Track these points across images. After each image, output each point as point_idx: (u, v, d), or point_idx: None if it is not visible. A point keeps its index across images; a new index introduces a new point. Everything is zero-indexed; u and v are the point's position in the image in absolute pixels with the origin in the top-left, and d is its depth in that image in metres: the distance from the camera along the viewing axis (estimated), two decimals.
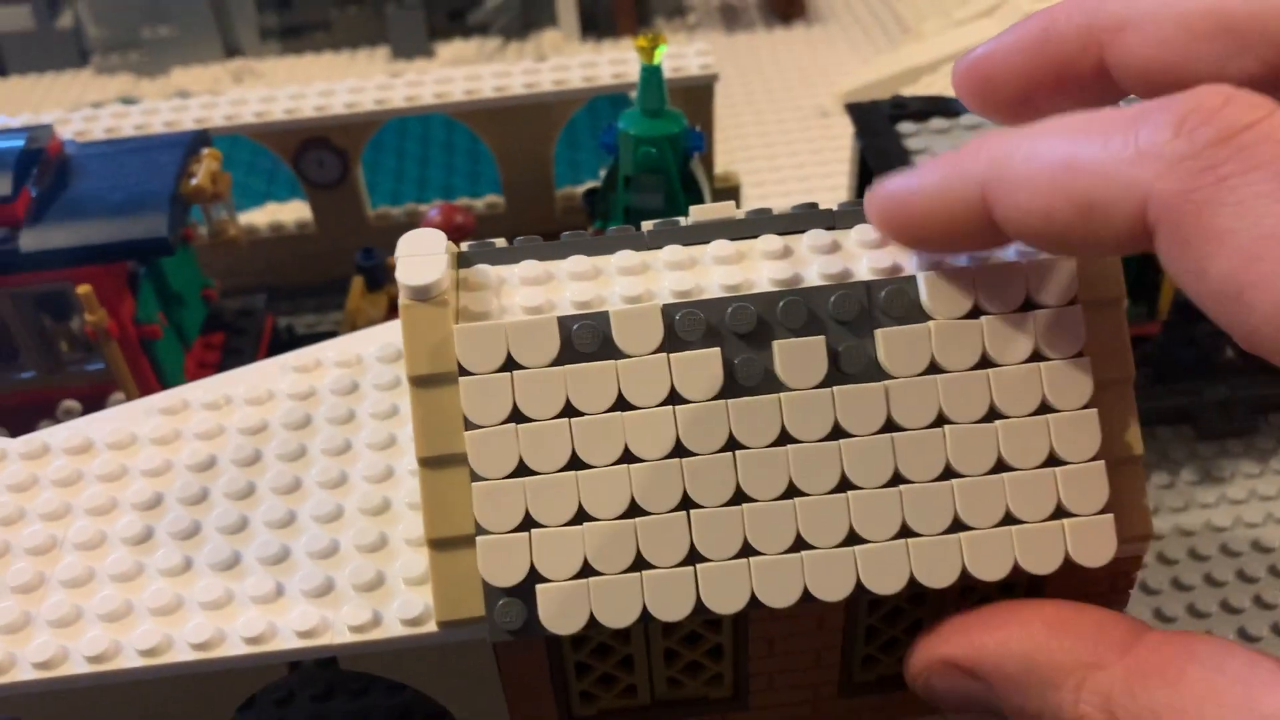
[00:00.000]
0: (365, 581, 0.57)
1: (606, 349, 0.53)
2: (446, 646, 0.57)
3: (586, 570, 0.52)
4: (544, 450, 0.53)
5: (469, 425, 0.53)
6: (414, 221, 1.15)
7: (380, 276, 1.00)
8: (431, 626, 0.55)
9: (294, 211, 1.18)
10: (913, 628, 0.60)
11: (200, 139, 0.88)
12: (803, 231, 0.58)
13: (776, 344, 0.53)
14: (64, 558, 0.60)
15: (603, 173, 0.88)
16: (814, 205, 0.60)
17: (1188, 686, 0.42)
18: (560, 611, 0.52)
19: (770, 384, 0.53)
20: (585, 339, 0.53)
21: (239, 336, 0.98)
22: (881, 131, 0.92)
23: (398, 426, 0.67)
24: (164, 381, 0.87)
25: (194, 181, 0.83)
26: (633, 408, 0.53)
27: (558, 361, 0.53)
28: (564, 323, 0.53)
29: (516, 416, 0.53)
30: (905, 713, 0.64)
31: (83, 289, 0.79)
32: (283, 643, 0.55)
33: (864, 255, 0.56)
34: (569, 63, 1.05)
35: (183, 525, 0.61)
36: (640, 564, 0.52)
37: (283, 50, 1.69)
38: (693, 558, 0.52)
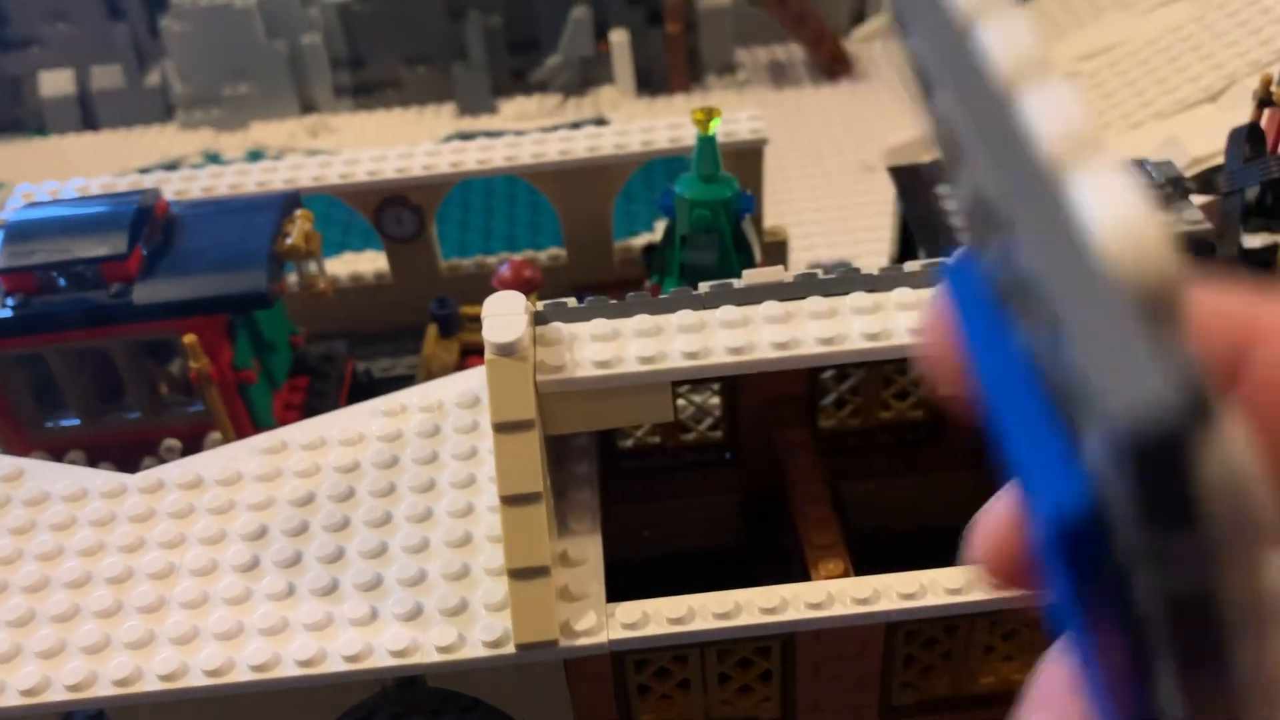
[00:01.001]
0: (451, 607, 0.64)
1: None
2: (523, 666, 0.63)
3: None
4: None
5: None
6: (482, 272, 1.22)
7: (453, 324, 1.08)
8: (510, 648, 0.61)
9: (369, 262, 1.26)
10: (946, 655, 0.65)
11: (293, 200, 0.96)
12: (846, 294, 0.65)
13: None
14: (181, 582, 0.67)
15: (659, 225, 0.95)
16: (856, 269, 0.66)
17: None
18: None
19: None
20: None
21: (322, 380, 1.06)
22: (921, 195, 0.98)
23: (476, 466, 0.73)
24: (256, 422, 0.95)
25: (289, 241, 0.91)
26: None
27: None
28: None
29: None
30: None
31: (189, 338, 0.87)
32: (378, 661, 0.62)
33: (901, 316, 0.62)
34: (629, 127, 1.12)
35: (286, 554, 0.68)
36: None
37: (355, 107, 1.78)
38: None
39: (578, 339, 0.64)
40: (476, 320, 1.12)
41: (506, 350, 0.62)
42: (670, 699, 0.67)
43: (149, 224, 0.91)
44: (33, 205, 0.92)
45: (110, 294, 0.87)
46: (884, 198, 1.47)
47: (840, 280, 0.66)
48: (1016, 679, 0.67)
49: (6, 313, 0.87)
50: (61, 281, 0.88)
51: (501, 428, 0.61)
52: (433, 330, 1.08)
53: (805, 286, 0.65)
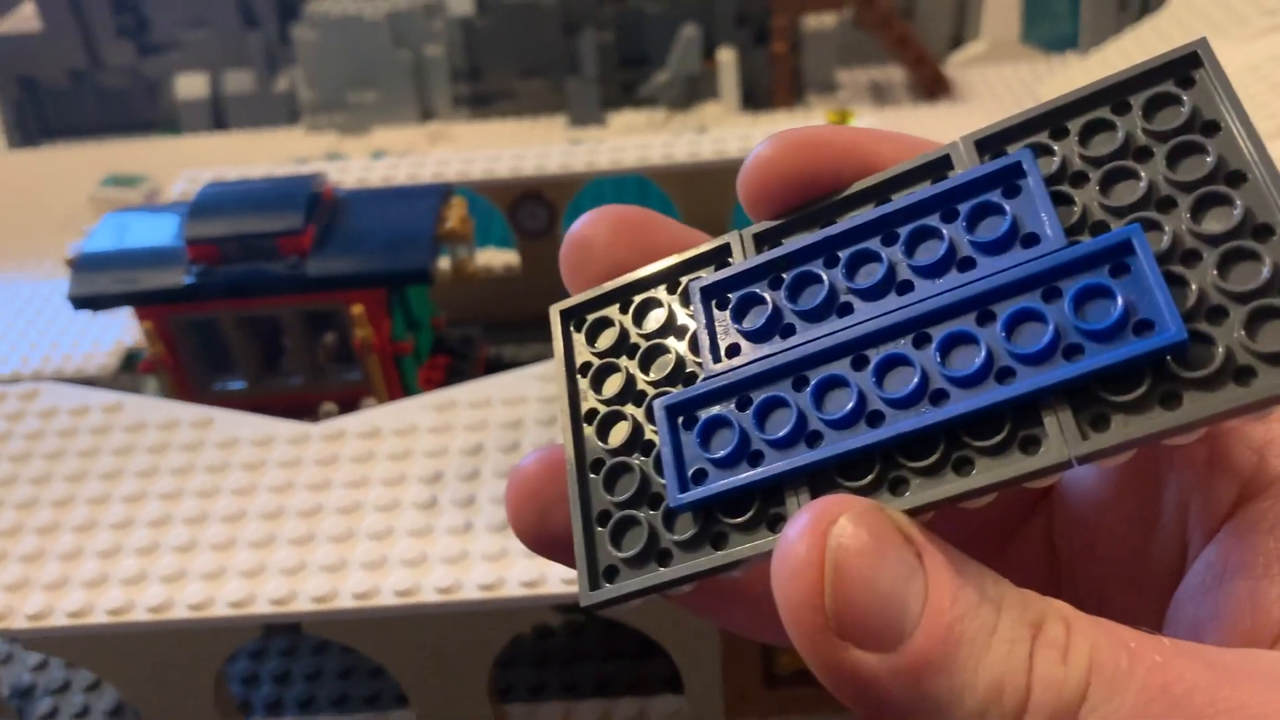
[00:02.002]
0: None
1: None
2: None
3: None
4: None
5: None
6: None
7: None
8: None
9: (498, 257, 1.34)
10: None
11: (448, 190, 1.04)
12: None
13: None
14: (367, 517, 0.74)
15: None
16: None
17: None
18: None
19: None
20: None
21: (460, 360, 1.13)
22: None
23: None
24: (406, 391, 1.02)
25: (448, 225, 0.99)
26: None
27: None
28: None
29: None
30: None
31: (356, 309, 0.95)
32: (551, 588, 0.68)
33: None
34: (753, 132, 1.19)
35: (461, 495, 0.74)
36: None
37: (471, 116, 1.87)
38: None
39: None
40: None
41: None
42: None
43: (319, 205, 0.99)
44: (214, 184, 1.00)
45: (286, 266, 0.95)
46: None
47: None
48: None
49: (191, 279, 0.95)
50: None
51: None
52: None
53: None
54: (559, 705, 0.79)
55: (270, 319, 0.99)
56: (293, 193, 0.97)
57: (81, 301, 0.97)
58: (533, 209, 1.20)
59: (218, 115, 1.94)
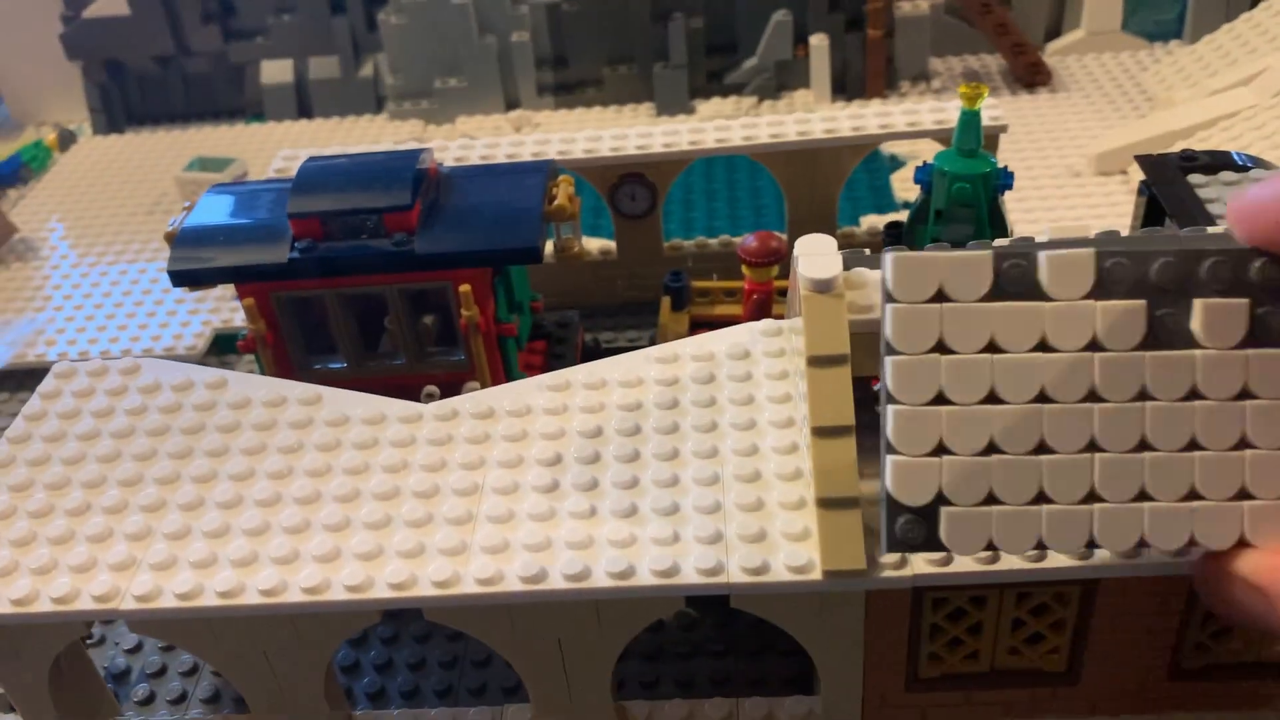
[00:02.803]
0: (751, 534, 0.65)
1: (1033, 291, 0.55)
2: (824, 596, 0.65)
3: (990, 499, 0.55)
4: (964, 382, 0.55)
5: (891, 351, 0.55)
6: (703, 252, 1.25)
7: (684, 298, 1.11)
8: (816, 575, 0.63)
9: (595, 243, 1.30)
10: None
11: (555, 167, 1.01)
12: None
13: (1198, 303, 0.54)
14: (486, 499, 0.71)
15: (864, 220, 0.95)
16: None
17: None
18: (962, 533, 0.55)
19: (1184, 339, 0.54)
20: (1015, 278, 0.54)
21: (559, 345, 1.10)
22: (1175, 181, 0.97)
23: (756, 412, 0.75)
24: (509, 373, 0.99)
25: (556, 202, 0.95)
26: (1053, 350, 0.55)
27: (987, 298, 0.55)
28: (996, 260, 0.55)
29: (941, 348, 0.55)
30: (1229, 704, 0.68)
31: (464, 287, 0.91)
32: (685, 579, 0.64)
33: None
34: (864, 112, 1.14)
35: (584, 479, 0.71)
36: (1041, 498, 0.55)
37: (556, 104, 1.84)
38: (1091, 498, 0.55)
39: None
40: (706, 294, 1.15)
41: (824, 287, 0.63)
42: (959, 645, 0.68)
43: (425, 181, 0.96)
44: (317, 158, 0.98)
45: (393, 243, 0.92)
46: (1094, 202, 1.46)
47: (1151, 238, 0.66)
48: None
49: (294, 255, 0.93)
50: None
51: (816, 361, 0.63)
52: (666, 303, 1.11)
53: (1144, 240, 0.64)
54: (682, 703, 0.74)
55: (373, 298, 0.96)
56: (399, 168, 0.94)
57: (181, 277, 0.95)
58: (633, 190, 1.16)
59: (302, 102, 1.92)
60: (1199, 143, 1.47)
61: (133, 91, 1.97)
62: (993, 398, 0.55)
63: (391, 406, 0.80)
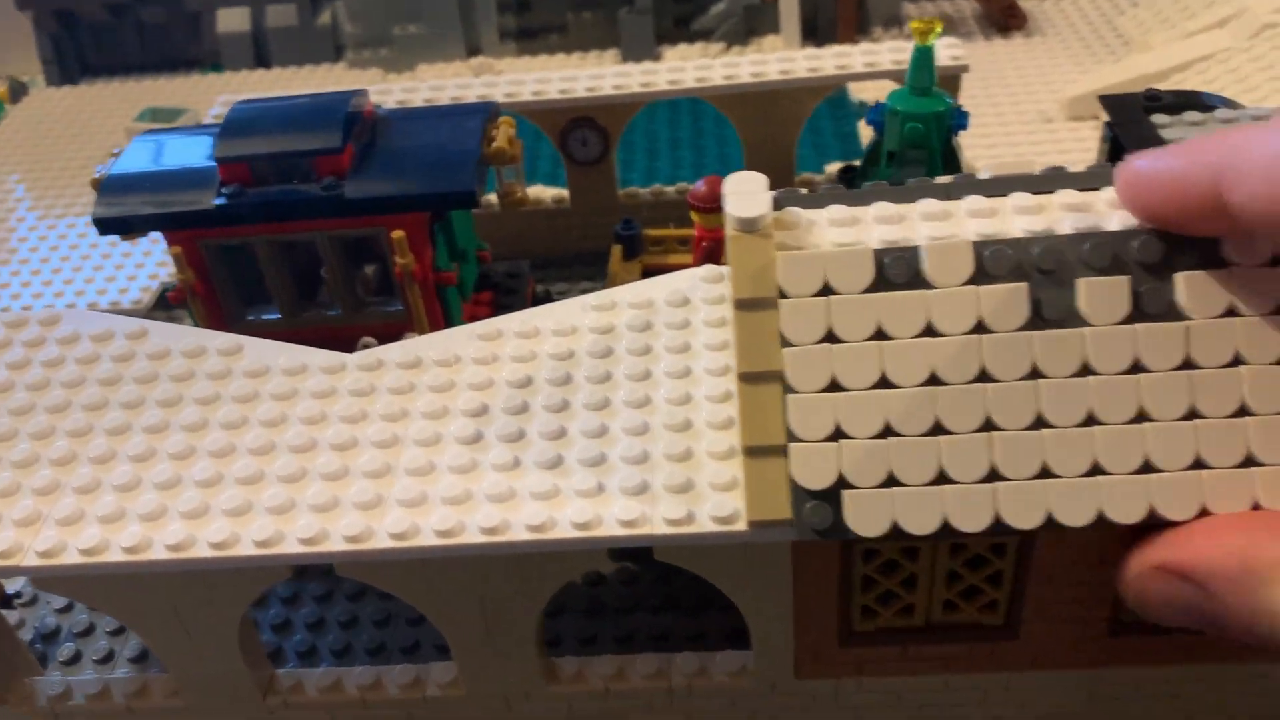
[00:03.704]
0: (677, 484, 0.63)
1: (916, 280, 0.58)
2: (751, 546, 0.62)
3: (891, 480, 0.57)
4: (855, 369, 0.58)
5: (786, 343, 0.59)
6: (659, 200, 1.22)
7: (637, 246, 1.07)
8: (741, 525, 0.60)
9: (550, 191, 1.27)
10: None
11: (495, 109, 0.97)
12: (1098, 189, 0.62)
13: (1081, 282, 0.57)
14: (406, 451, 0.68)
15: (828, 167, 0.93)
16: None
17: None
18: (865, 516, 0.57)
19: (1072, 319, 0.57)
20: (897, 270, 0.58)
21: (507, 295, 1.07)
22: (1137, 120, 0.94)
23: (691, 360, 0.72)
24: (450, 324, 0.96)
25: (495, 144, 0.92)
26: (941, 334, 0.58)
27: (871, 289, 0.58)
28: (878, 254, 0.58)
29: (830, 337, 0.58)
30: (1170, 658, 0.66)
31: (397, 234, 0.88)
32: (607, 530, 0.61)
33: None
34: (822, 53, 1.10)
35: (509, 430, 0.68)
36: (942, 478, 0.57)
37: (519, 51, 1.80)
38: (992, 476, 0.57)
39: (815, 224, 0.63)
40: (659, 243, 1.12)
41: (750, 226, 0.60)
42: (894, 598, 0.66)
43: (359, 124, 0.92)
44: (247, 101, 0.94)
45: (322, 187, 0.88)
46: (1064, 148, 1.43)
47: (1091, 174, 0.63)
48: None
49: (221, 201, 0.89)
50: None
51: (743, 304, 0.60)
52: (617, 251, 1.08)
53: (1053, 180, 0.63)
54: (613, 659, 0.72)
55: (306, 246, 0.92)
56: (330, 110, 0.91)
57: (107, 224, 0.91)
58: (584, 135, 1.12)
59: (260, 52, 1.87)
60: (1173, 85, 1.44)
61: (86, 42, 1.92)
62: (885, 383, 0.57)
63: (315, 357, 0.77)
